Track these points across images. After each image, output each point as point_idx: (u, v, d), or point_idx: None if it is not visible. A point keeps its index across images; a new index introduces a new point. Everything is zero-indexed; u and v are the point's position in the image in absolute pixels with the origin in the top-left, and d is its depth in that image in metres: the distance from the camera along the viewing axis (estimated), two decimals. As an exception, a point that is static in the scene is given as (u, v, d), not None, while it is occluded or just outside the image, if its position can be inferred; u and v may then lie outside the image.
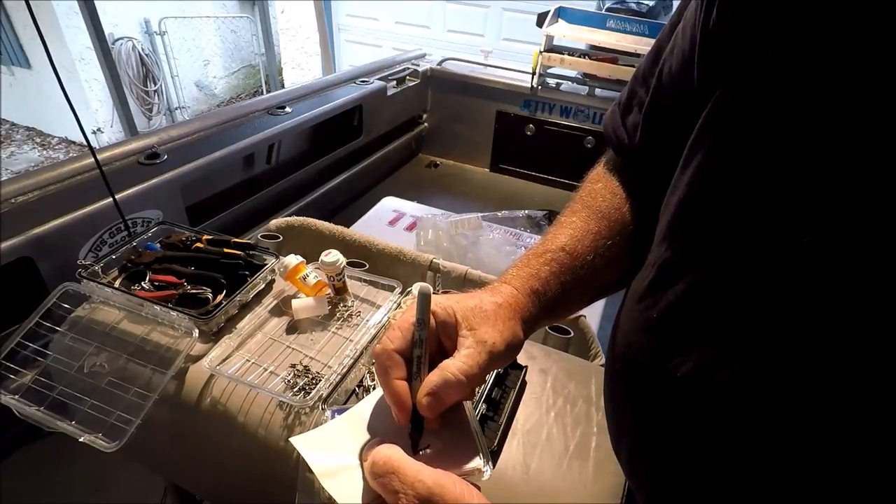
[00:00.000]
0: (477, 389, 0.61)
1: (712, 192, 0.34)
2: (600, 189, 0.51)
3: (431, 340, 0.38)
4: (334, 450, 0.37)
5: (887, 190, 0.26)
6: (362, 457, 0.36)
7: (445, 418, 0.39)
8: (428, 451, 0.38)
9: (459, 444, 0.39)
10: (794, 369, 0.29)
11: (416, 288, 0.76)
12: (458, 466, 0.37)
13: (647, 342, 0.38)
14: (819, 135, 0.28)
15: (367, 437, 0.38)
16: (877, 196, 0.26)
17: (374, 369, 0.69)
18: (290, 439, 0.38)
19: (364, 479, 0.35)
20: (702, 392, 0.34)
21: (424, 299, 0.38)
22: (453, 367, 0.36)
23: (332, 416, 0.41)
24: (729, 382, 0.32)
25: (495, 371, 0.66)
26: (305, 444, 0.38)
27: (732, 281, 0.32)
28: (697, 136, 0.36)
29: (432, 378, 0.36)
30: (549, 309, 0.45)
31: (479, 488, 0.34)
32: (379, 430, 0.39)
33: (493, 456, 0.59)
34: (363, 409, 0.41)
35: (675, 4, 0.47)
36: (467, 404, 0.41)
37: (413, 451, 0.38)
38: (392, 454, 0.34)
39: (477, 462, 0.37)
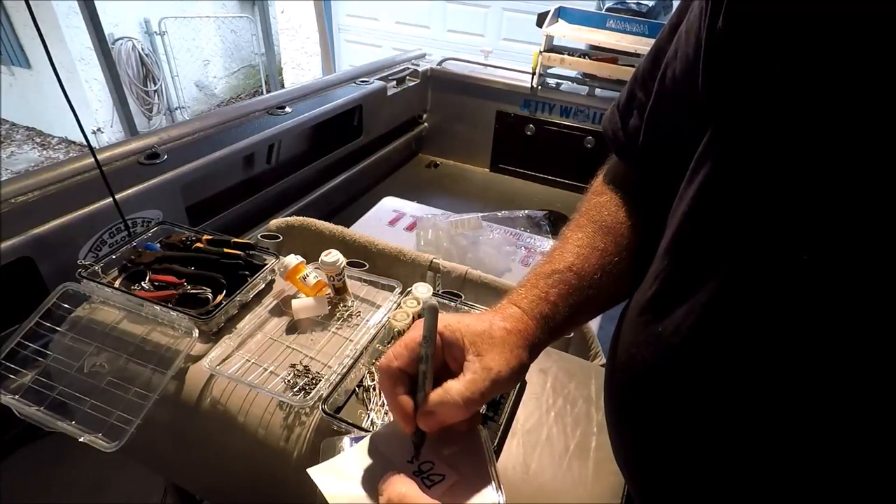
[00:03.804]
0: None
1: (715, 208, 0.34)
2: (605, 202, 0.51)
3: (436, 358, 0.39)
4: (350, 480, 0.38)
5: (882, 210, 0.26)
6: (378, 489, 0.36)
7: (460, 447, 0.40)
8: (443, 482, 0.38)
9: (474, 475, 0.39)
10: (797, 384, 0.29)
11: (416, 289, 0.77)
12: (473, 499, 0.37)
13: (650, 356, 0.38)
14: (820, 154, 0.28)
15: (382, 466, 0.38)
16: (872, 215, 0.26)
17: (374, 370, 0.69)
18: (307, 470, 0.38)
19: None
20: (706, 407, 0.34)
21: (432, 316, 0.38)
22: (454, 390, 0.37)
23: (350, 444, 0.41)
24: (733, 397, 0.32)
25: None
26: (322, 474, 0.38)
27: (737, 298, 0.32)
28: (704, 149, 0.36)
29: (433, 397, 0.37)
30: (555, 331, 0.45)
31: None
32: (393, 458, 0.39)
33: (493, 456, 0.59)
34: (378, 437, 0.41)
35: (675, 4, 0.46)
36: (483, 432, 0.41)
37: (415, 457, 0.38)
38: (407, 490, 0.34)
39: (491, 495, 0.37)
